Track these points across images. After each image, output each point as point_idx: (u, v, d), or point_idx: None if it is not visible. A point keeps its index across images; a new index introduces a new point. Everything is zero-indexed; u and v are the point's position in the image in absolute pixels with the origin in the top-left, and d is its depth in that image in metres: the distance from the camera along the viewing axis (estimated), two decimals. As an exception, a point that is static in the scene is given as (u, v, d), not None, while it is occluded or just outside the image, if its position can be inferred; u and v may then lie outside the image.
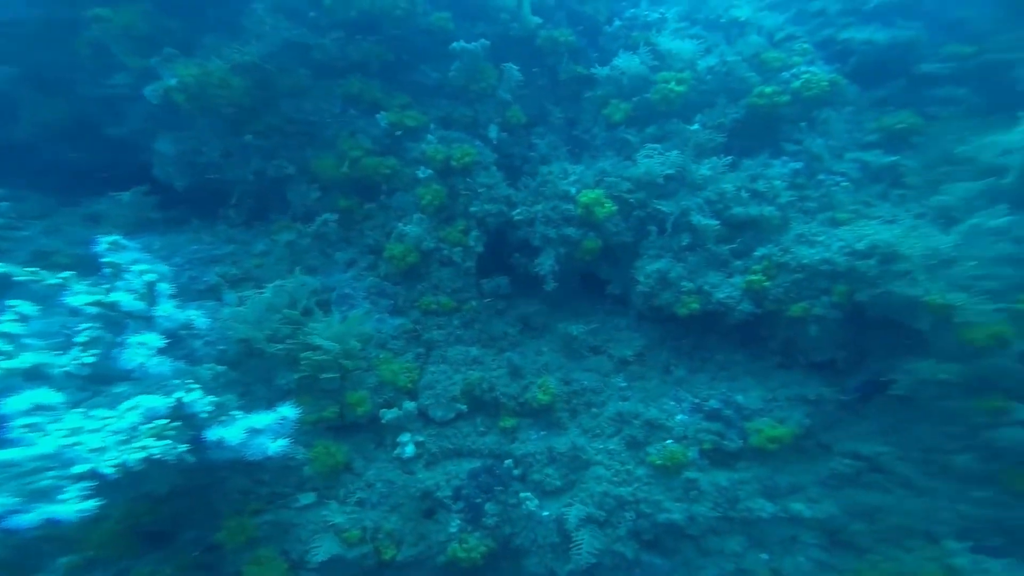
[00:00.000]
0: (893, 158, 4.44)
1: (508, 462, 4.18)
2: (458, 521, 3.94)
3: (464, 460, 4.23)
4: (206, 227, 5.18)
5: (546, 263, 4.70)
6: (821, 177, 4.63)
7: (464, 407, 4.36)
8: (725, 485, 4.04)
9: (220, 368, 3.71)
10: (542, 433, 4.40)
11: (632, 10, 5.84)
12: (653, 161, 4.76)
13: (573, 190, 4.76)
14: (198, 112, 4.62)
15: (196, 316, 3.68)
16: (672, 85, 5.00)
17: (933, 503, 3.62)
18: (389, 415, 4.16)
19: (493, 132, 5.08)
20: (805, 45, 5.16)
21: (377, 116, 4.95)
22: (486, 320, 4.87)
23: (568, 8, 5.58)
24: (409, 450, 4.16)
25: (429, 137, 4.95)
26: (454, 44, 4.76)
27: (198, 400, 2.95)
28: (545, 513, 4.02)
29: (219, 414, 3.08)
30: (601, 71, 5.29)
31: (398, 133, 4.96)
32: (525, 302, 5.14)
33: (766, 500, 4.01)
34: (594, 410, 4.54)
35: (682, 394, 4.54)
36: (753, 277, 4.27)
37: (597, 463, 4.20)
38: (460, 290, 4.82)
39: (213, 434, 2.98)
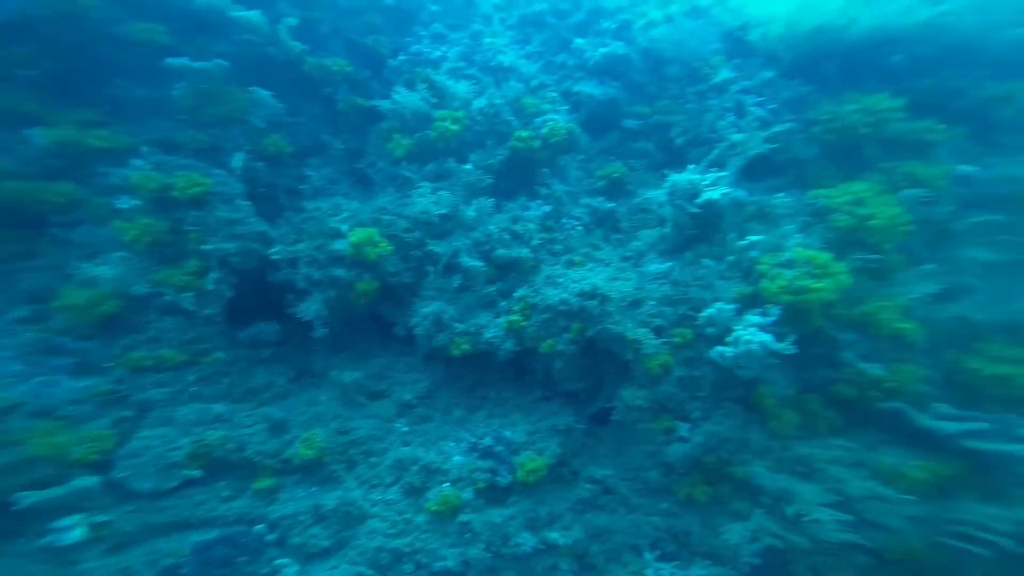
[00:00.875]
0: (612, 204, 5.15)
1: (259, 527, 3.79)
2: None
3: (191, 532, 3.69)
4: None
5: (311, 307, 4.39)
6: (564, 220, 5.14)
7: (196, 472, 3.82)
8: (498, 522, 4.11)
9: None
10: (313, 489, 4.07)
11: (417, 46, 5.93)
12: (427, 200, 4.87)
13: (344, 227, 4.55)
14: None
15: None
16: (448, 124, 5.12)
17: (639, 518, 4.10)
18: (31, 498, 3.36)
19: (239, 161, 4.59)
20: (554, 94, 5.57)
21: (29, 132, 4.10)
22: (243, 372, 4.35)
23: (346, 38, 5.43)
24: (75, 535, 3.45)
25: (137, 162, 4.25)
26: (171, 60, 4.22)
27: None
28: (306, 580, 3.65)
29: None
30: (383, 104, 5.23)
31: (76, 154, 4.13)
32: (301, 348, 4.72)
33: (530, 533, 4.13)
34: (373, 459, 4.38)
35: (462, 434, 4.59)
36: (513, 317, 4.52)
37: (373, 516, 4.03)
38: (195, 341, 4.23)
39: None
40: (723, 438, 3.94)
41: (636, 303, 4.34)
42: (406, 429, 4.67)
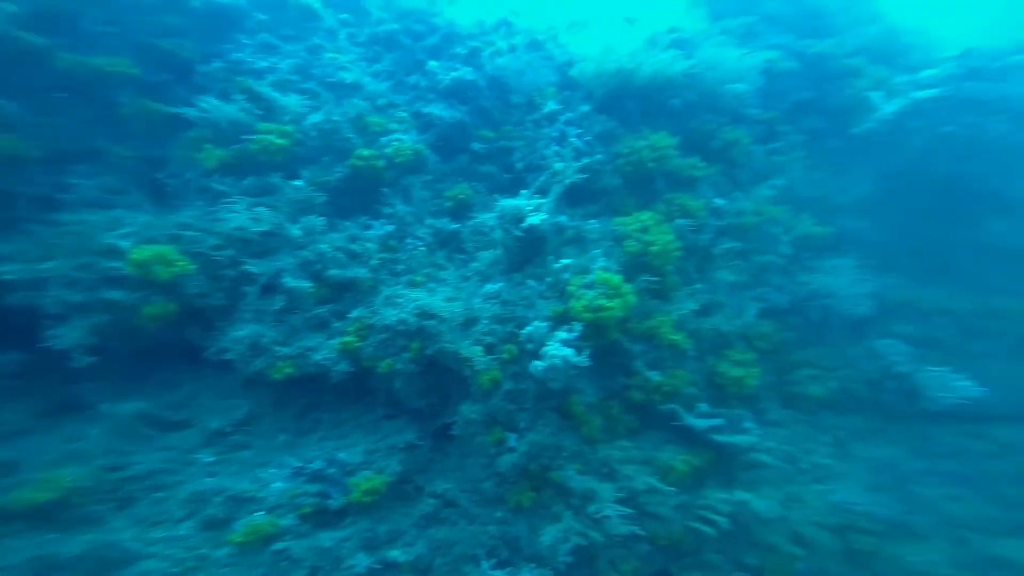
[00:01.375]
0: (456, 226, 5.34)
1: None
2: None
3: None
4: None
5: (70, 334, 3.75)
6: (407, 241, 5.21)
7: None
8: (328, 546, 3.98)
9: None
10: (51, 536, 3.43)
11: (238, 54, 5.50)
12: (242, 216, 4.49)
13: (124, 244, 3.96)
14: None
15: None
16: (273, 137, 4.85)
17: (477, 528, 4.26)
18: None
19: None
20: (403, 114, 5.65)
21: None
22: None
23: (134, 38, 4.80)
24: None
25: None
26: None
27: None
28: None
29: None
30: (189, 112, 4.74)
31: None
32: (62, 380, 3.98)
33: (365, 554, 4.06)
34: (160, 494, 3.92)
35: (286, 459, 4.34)
36: (347, 339, 4.46)
37: (150, 556, 3.56)
38: None
39: None
40: (544, 445, 4.27)
41: (471, 321, 4.56)
42: (212, 459, 4.28)
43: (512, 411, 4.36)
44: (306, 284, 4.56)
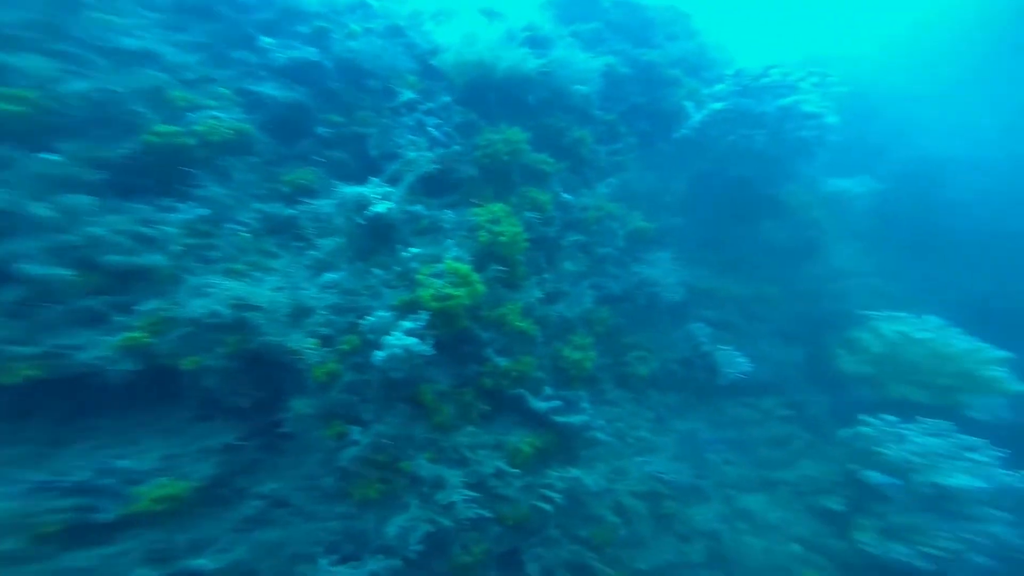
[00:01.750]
0: (293, 211, 4.82)
1: None
2: None
3: None
4: None
5: None
6: (226, 226, 4.54)
7: None
8: (84, 565, 3.42)
9: None
10: None
11: None
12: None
13: None
14: None
15: None
16: (2, 104, 3.85)
17: (315, 526, 4.08)
18: None
19: None
20: (223, 90, 5.03)
21: None
22: None
23: None
24: None
25: None
26: None
27: None
28: None
29: None
30: None
31: None
32: None
33: (151, 567, 3.58)
34: None
35: (25, 474, 3.53)
36: (134, 334, 3.72)
37: None
38: None
39: None
40: (393, 436, 4.15)
41: (303, 312, 4.18)
42: None
43: (354, 403, 4.15)
44: (64, 272, 3.60)
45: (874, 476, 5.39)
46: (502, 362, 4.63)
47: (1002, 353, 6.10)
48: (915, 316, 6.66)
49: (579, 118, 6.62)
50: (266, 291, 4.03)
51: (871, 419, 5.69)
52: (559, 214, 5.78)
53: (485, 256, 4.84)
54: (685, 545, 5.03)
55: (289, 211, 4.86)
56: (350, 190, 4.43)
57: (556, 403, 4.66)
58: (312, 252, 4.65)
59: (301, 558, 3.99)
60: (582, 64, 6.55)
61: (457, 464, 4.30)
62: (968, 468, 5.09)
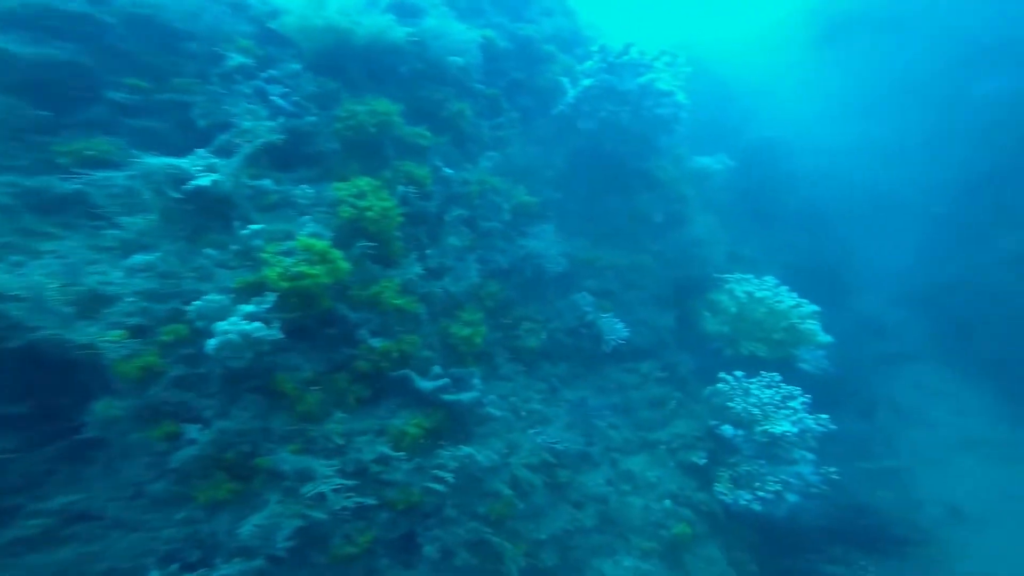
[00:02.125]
0: (77, 186, 3.90)
1: None
2: None
3: None
4: None
5: None
6: None
7: None
8: None
9: None
10: None
11: None
12: None
13: None
14: None
15: None
16: None
17: (143, 536, 3.52)
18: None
19: None
20: None
21: None
22: None
23: None
24: None
25: None
26: None
27: None
28: None
29: None
30: None
31: None
32: None
33: None
34: None
35: None
36: None
37: None
38: None
39: None
40: (242, 431, 3.66)
41: (104, 300, 3.45)
42: None
43: (188, 399, 3.59)
44: None
45: (727, 429, 5.94)
46: (377, 343, 4.24)
47: (814, 307, 7.06)
48: (757, 277, 7.57)
49: (458, 91, 6.34)
50: (33, 278, 3.19)
51: (727, 376, 6.26)
52: (440, 188, 5.48)
53: (351, 232, 4.38)
54: (579, 512, 5.14)
55: (70, 186, 3.97)
56: (156, 161, 3.71)
57: (444, 381, 4.40)
58: (114, 232, 3.81)
59: (121, 572, 3.42)
60: (459, 35, 6.26)
61: (331, 454, 3.90)
62: (787, 415, 5.75)
